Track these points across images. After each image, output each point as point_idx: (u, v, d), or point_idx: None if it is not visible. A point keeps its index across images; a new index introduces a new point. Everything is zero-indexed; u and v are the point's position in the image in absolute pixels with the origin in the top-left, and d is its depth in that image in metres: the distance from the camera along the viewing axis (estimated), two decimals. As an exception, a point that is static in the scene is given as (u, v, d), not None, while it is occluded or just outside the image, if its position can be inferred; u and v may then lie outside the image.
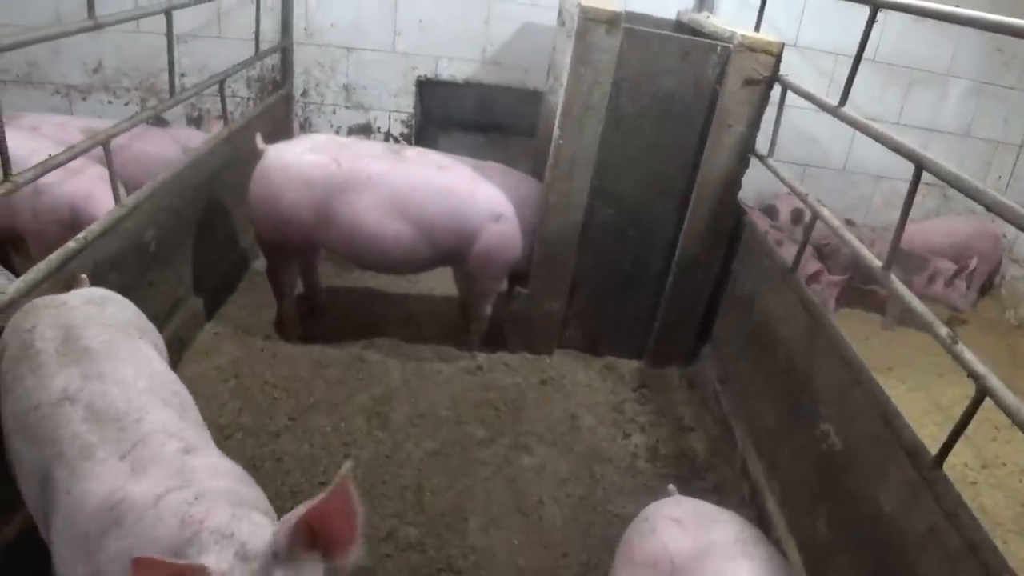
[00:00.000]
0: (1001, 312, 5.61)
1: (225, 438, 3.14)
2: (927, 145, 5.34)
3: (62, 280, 2.54)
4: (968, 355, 2.02)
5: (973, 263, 4.73)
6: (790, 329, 3.10)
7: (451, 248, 3.69)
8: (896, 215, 2.54)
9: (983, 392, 1.91)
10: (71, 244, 2.64)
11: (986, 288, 5.54)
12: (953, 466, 2.07)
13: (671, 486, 2.48)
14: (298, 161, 3.50)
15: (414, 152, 3.78)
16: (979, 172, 5.60)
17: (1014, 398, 1.83)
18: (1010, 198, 2.00)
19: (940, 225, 5.35)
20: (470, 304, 3.97)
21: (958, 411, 1.99)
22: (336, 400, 3.47)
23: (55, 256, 2.54)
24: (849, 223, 4.85)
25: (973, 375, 1.95)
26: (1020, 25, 2.08)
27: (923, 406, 4.10)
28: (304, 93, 5.34)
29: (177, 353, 3.56)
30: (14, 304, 2.28)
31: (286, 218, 3.52)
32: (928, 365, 4.52)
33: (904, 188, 2.45)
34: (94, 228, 2.78)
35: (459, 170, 3.70)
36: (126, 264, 3.02)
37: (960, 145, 5.56)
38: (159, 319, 3.38)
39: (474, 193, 3.64)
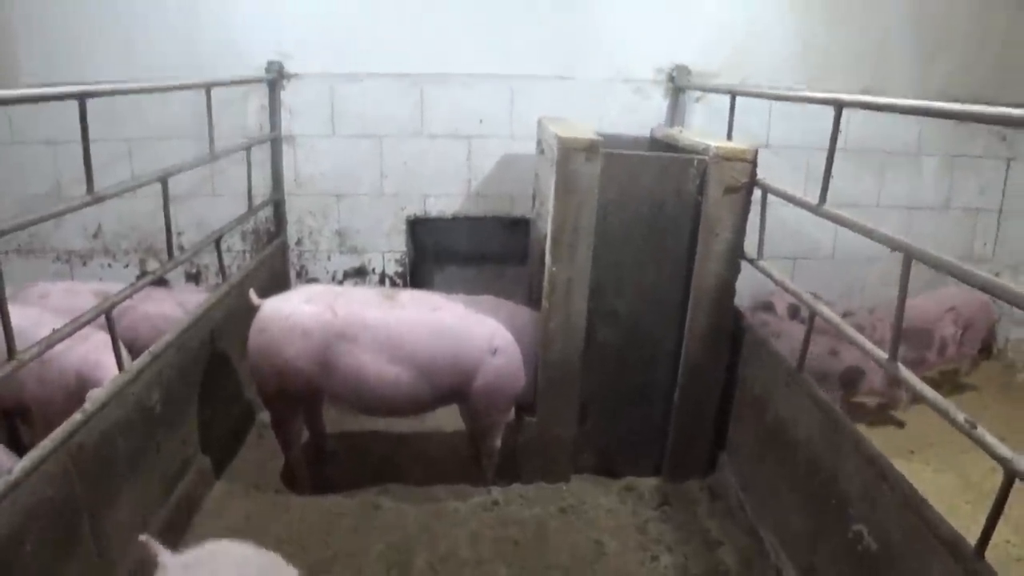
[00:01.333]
0: (1012, 376, 5.58)
1: (241, 602, 3.01)
2: (910, 222, 5.53)
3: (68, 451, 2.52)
4: (989, 438, 1.99)
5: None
6: (806, 429, 3.05)
7: (452, 387, 3.69)
8: (890, 292, 2.56)
9: (1012, 475, 1.87)
10: (76, 416, 2.64)
11: (988, 354, 5.51)
12: (994, 544, 1.99)
13: None
14: (295, 313, 3.55)
15: (408, 295, 3.84)
16: (964, 241, 5.76)
17: (1045, 479, 1.79)
18: (997, 261, 2.03)
19: (932, 299, 5.37)
20: (478, 439, 3.93)
21: (989, 486, 1.95)
22: (354, 551, 3.37)
23: (59, 431, 2.53)
24: (847, 315, 4.88)
25: (998, 459, 1.91)
26: (977, 111, 2.17)
27: (953, 486, 3.99)
28: (299, 241, 5.47)
29: (187, 515, 3.49)
30: (19, 484, 2.25)
31: (286, 370, 3.53)
32: (949, 442, 4.41)
33: (894, 267, 2.48)
34: (99, 397, 2.78)
35: (453, 308, 3.74)
36: (133, 429, 3.00)
37: (942, 218, 5.73)
38: (168, 481, 3.35)
39: (470, 329, 3.67)
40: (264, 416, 4.33)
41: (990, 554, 1.98)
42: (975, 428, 2.05)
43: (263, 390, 3.72)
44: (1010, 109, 2.05)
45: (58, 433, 2.51)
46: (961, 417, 2.11)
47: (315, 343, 3.51)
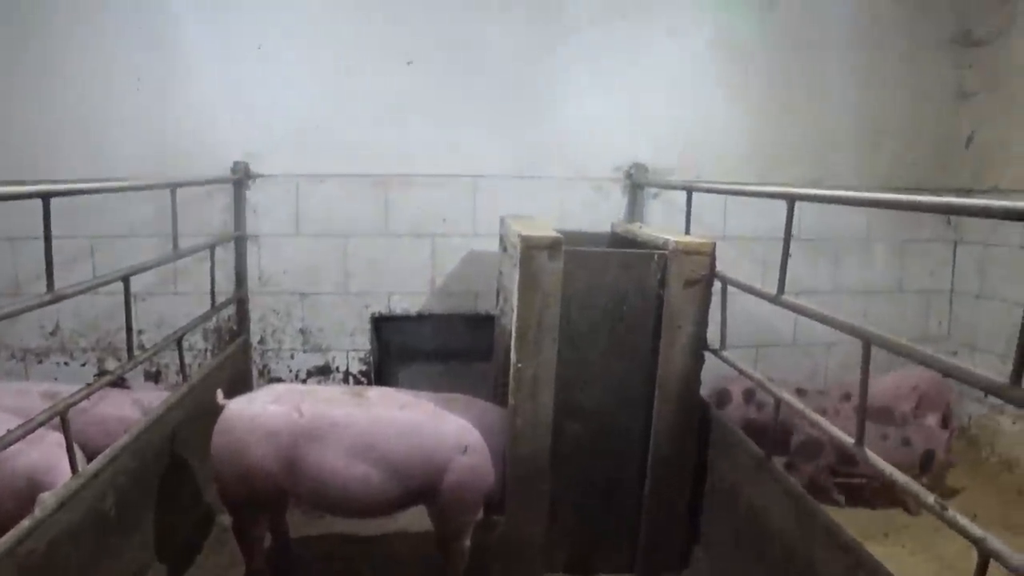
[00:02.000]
0: (979, 452, 5.65)
1: None
2: (867, 306, 5.69)
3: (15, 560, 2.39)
4: (961, 520, 2.00)
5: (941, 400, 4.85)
6: (779, 519, 3.04)
7: (421, 486, 3.61)
8: (851, 376, 2.60)
9: (986, 556, 1.88)
10: (25, 523, 2.52)
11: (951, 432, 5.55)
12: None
13: None
14: (260, 414, 3.48)
15: (376, 393, 3.79)
16: (919, 322, 5.95)
17: (1019, 557, 1.79)
18: (953, 340, 2.09)
19: (891, 381, 5.44)
20: (446, 540, 3.81)
21: (965, 566, 1.94)
22: (317, 661, 3.21)
23: (7, 538, 2.41)
24: (800, 392, 4.96)
25: (972, 540, 1.92)
26: (923, 201, 2.28)
27: (929, 569, 3.98)
28: (262, 340, 5.41)
29: (139, 629, 3.31)
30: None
31: (252, 472, 3.44)
32: (923, 523, 4.44)
33: (853, 350, 2.53)
34: (49, 503, 2.67)
35: (422, 406, 3.71)
36: (84, 536, 2.87)
37: (896, 300, 5.92)
38: (120, 592, 3.18)
39: (439, 428, 3.63)
40: (224, 519, 4.17)
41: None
42: (946, 510, 2.06)
43: (226, 493, 3.59)
44: (951, 198, 2.16)
45: (5, 540, 2.39)
46: (931, 499, 2.12)
47: (282, 444, 3.43)
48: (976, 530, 1.92)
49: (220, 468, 3.49)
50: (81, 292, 3.18)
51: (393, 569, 3.99)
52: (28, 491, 3.18)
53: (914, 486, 2.24)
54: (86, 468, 2.97)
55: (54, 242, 2.82)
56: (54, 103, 5.01)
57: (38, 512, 2.60)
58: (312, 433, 3.46)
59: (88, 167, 4.86)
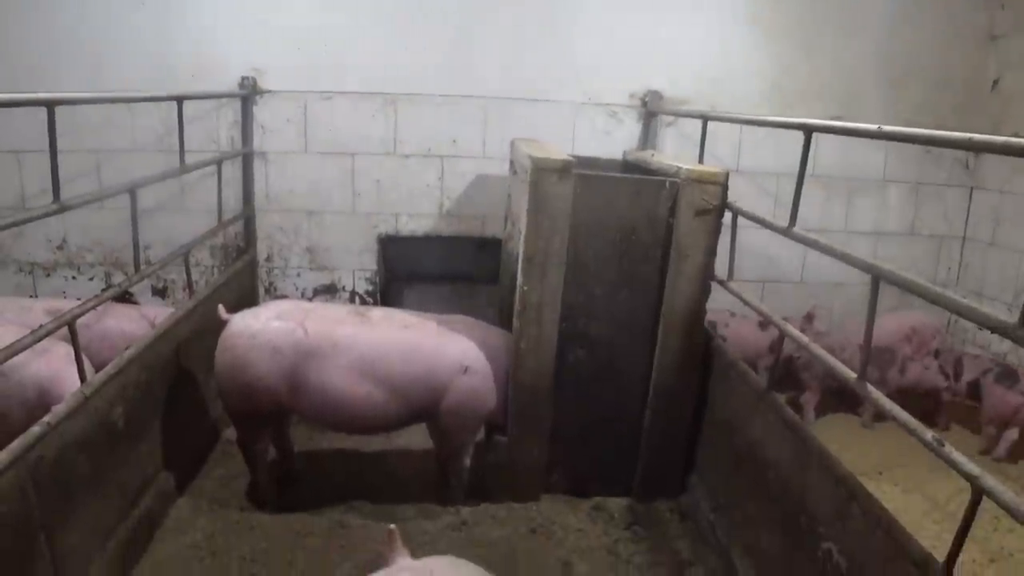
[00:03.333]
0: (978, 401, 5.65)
1: (202, 623, 2.95)
2: (876, 248, 5.64)
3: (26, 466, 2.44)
4: (958, 456, 2.01)
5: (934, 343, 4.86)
6: (776, 450, 3.07)
7: (422, 405, 3.67)
8: (856, 318, 2.59)
9: (979, 493, 1.89)
10: (35, 429, 2.56)
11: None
12: (960, 564, 2.01)
13: None
14: (264, 329, 3.50)
15: (380, 313, 3.81)
16: (929, 267, 5.88)
17: (1011, 494, 1.81)
18: (961, 287, 2.07)
19: (887, 323, 5.44)
20: (447, 458, 3.89)
21: (955, 506, 1.97)
22: (320, 571, 3.30)
23: (17, 444, 2.45)
24: (808, 318, 5.05)
25: (967, 477, 1.93)
26: (943, 136, 2.22)
27: (921, 506, 4.03)
28: (268, 258, 5.41)
29: (148, 532, 3.40)
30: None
31: (255, 387, 3.48)
32: (917, 463, 4.48)
33: (858, 291, 2.52)
34: (60, 410, 2.71)
35: (424, 327, 3.73)
36: (94, 445, 2.93)
37: (908, 244, 5.85)
38: (129, 498, 3.27)
39: (440, 348, 3.66)
40: (230, 433, 4.25)
41: (956, 573, 1.99)
42: (943, 446, 2.07)
43: (230, 407, 3.66)
44: (972, 134, 2.10)
45: (15, 446, 2.43)
46: (929, 435, 2.13)
47: (285, 360, 3.47)
48: (972, 467, 1.94)
49: (223, 382, 3.54)
50: (87, 203, 3.17)
51: (394, 485, 4.07)
52: (37, 401, 3.23)
53: (913, 422, 2.25)
54: (95, 378, 3.00)
55: (59, 156, 2.78)
56: (55, 21, 4.89)
57: (48, 419, 2.64)
58: (315, 351, 3.49)
59: (91, 86, 4.78)
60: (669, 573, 3.44)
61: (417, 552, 3.41)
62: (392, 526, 2.13)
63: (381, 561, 2.04)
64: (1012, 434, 4.64)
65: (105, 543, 3.03)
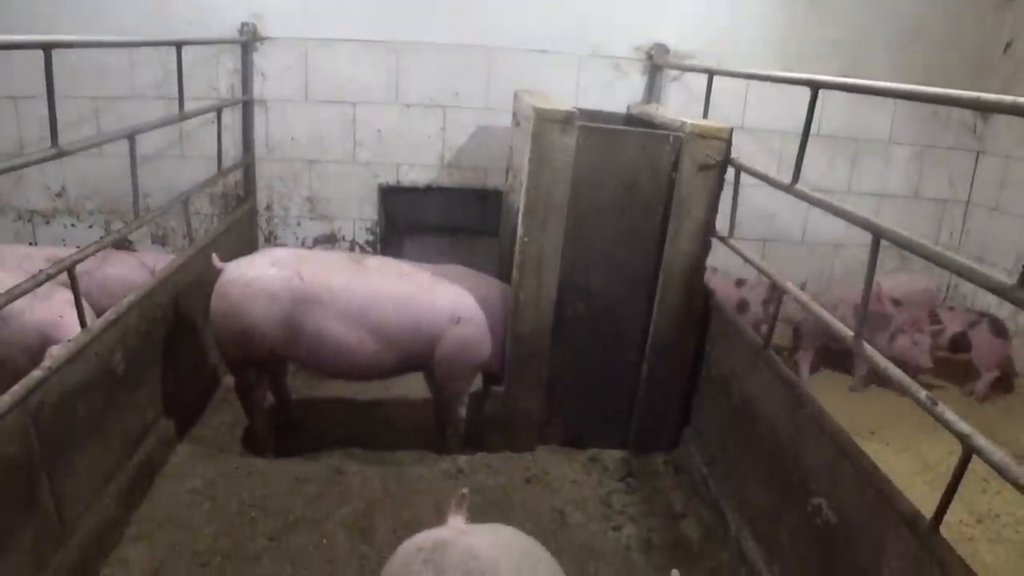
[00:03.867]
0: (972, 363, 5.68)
1: (202, 565, 3.00)
2: (879, 210, 5.61)
3: (27, 410, 2.47)
4: (950, 415, 2.03)
5: (936, 326, 4.85)
6: (770, 406, 3.10)
7: (415, 354, 3.69)
8: (856, 280, 2.59)
9: (969, 451, 1.91)
10: (36, 373, 2.57)
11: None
12: (948, 524, 2.04)
13: (675, 572, 2.40)
14: (261, 276, 3.50)
15: (376, 262, 3.81)
16: (931, 230, 5.85)
17: (1001, 454, 1.83)
18: (963, 252, 2.07)
19: (883, 285, 5.45)
20: (443, 408, 3.93)
21: (945, 468, 1.99)
22: (317, 516, 3.36)
23: (18, 387, 2.47)
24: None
25: (958, 435, 1.95)
26: (952, 95, 2.20)
27: (911, 467, 4.09)
28: (268, 207, 5.39)
29: (148, 478, 3.45)
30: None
31: (250, 334, 3.50)
32: (910, 424, 4.53)
33: (860, 252, 2.51)
34: (60, 355, 2.73)
35: (419, 277, 3.73)
36: (94, 390, 2.95)
37: (910, 207, 5.81)
38: (130, 443, 3.31)
39: (432, 298, 3.66)
40: (229, 380, 4.29)
41: (944, 532, 2.03)
42: (936, 405, 2.08)
43: (226, 354, 3.68)
44: (980, 93, 2.08)
45: (17, 389, 2.45)
46: (923, 394, 2.15)
47: (281, 307, 3.48)
48: (963, 426, 1.95)
49: (219, 329, 3.56)
50: (86, 148, 3.15)
51: (391, 433, 4.13)
52: (39, 346, 3.25)
53: (907, 380, 2.26)
54: (95, 324, 3.01)
55: (57, 103, 2.74)
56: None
57: (48, 364, 2.66)
58: (310, 298, 3.50)
59: (89, 32, 4.67)
60: (662, 524, 3.50)
61: (415, 500, 3.48)
62: (465, 490, 2.18)
63: (439, 520, 2.10)
64: (992, 375, 4.95)
65: (106, 487, 3.07)
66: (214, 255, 3.62)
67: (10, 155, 4.89)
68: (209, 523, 3.25)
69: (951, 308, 5.21)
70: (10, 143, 5.01)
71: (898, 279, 5.35)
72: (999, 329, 4.98)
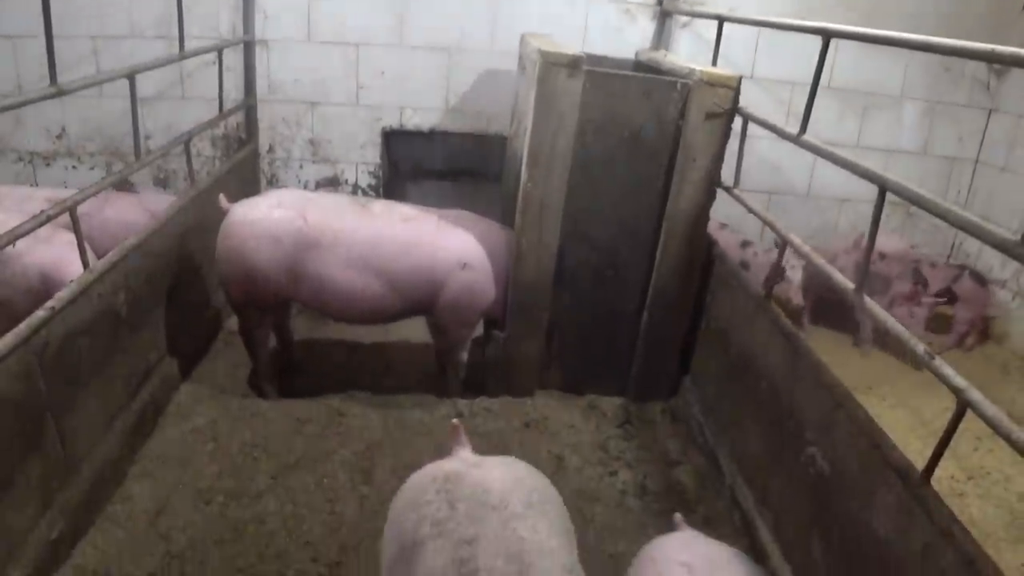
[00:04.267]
0: None
1: (205, 503, 3.06)
2: (887, 166, 5.52)
3: (32, 349, 2.49)
4: (947, 370, 2.04)
5: (933, 300, 4.88)
6: (769, 357, 3.11)
7: (419, 299, 3.71)
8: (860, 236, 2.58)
9: (964, 405, 1.93)
10: (40, 313, 2.59)
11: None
12: (939, 479, 2.07)
13: (678, 516, 2.45)
14: (265, 218, 3.50)
15: (381, 205, 3.80)
16: (939, 188, 5.75)
17: (995, 409, 1.84)
18: (969, 210, 2.06)
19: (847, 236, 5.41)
20: (445, 352, 3.96)
21: (940, 424, 2.00)
22: (318, 457, 3.41)
23: (23, 327, 2.49)
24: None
25: (953, 389, 1.97)
26: (966, 47, 2.16)
27: (906, 422, 4.14)
28: (270, 149, 5.35)
29: (152, 418, 3.50)
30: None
31: (255, 275, 3.51)
32: (906, 381, 4.57)
33: (866, 209, 2.49)
34: (63, 295, 2.74)
35: (424, 221, 3.71)
36: (98, 330, 2.97)
37: (919, 164, 5.71)
38: (134, 384, 3.34)
39: (439, 244, 3.66)
40: (232, 323, 4.32)
41: (934, 486, 2.05)
42: (933, 359, 2.09)
43: (231, 296, 3.70)
44: (996, 46, 2.04)
45: (22, 328, 2.47)
46: (921, 348, 2.16)
47: (285, 249, 3.48)
48: (959, 380, 1.97)
49: (224, 270, 3.57)
50: (86, 87, 3.11)
51: (393, 377, 4.17)
52: (41, 287, 3.26)
53: (906, 335, 2.27)
54: (97, 265, 3.02)
55: (55, 42, 2.70)
56: None
57: (52, 304, 2.67)
58: (315, 241, 3.50)
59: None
60: (658, 471, 3.55)
61: (415, 442, 3.53)
62: (456, 420, 2.21)
63: (445, 452, 2.12)
64: (968, 326, 5.12)
65: (111, 426, 3.12)
66: (221, 195, 3.61)
67: (9, 95, 4.85)
68: (212, 462, 3.31)
69: (932, 265, 5.18)
70: (8, 84, 4.93)
71: (880, 240, 5.30)
72: (980, 279, 5.09)
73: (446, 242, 3.67)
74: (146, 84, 4.41)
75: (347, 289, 3.56)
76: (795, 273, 4.64)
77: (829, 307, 5.11)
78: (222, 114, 4.65)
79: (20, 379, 2.45)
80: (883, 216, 2.50)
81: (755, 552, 2.90)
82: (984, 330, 5.23)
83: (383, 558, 1.91)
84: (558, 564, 1.70)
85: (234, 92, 5.04)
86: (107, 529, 2.86)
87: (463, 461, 1.99)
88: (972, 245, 5.72)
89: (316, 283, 3.54)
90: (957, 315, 5.05)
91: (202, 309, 4.32)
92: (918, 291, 4.91)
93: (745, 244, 5.09)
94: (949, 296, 5.01)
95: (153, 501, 3.04)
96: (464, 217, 3.86)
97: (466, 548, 1.66)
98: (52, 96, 2.79)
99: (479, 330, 4.11)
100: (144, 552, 2.78)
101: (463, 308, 3.76)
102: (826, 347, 4.90)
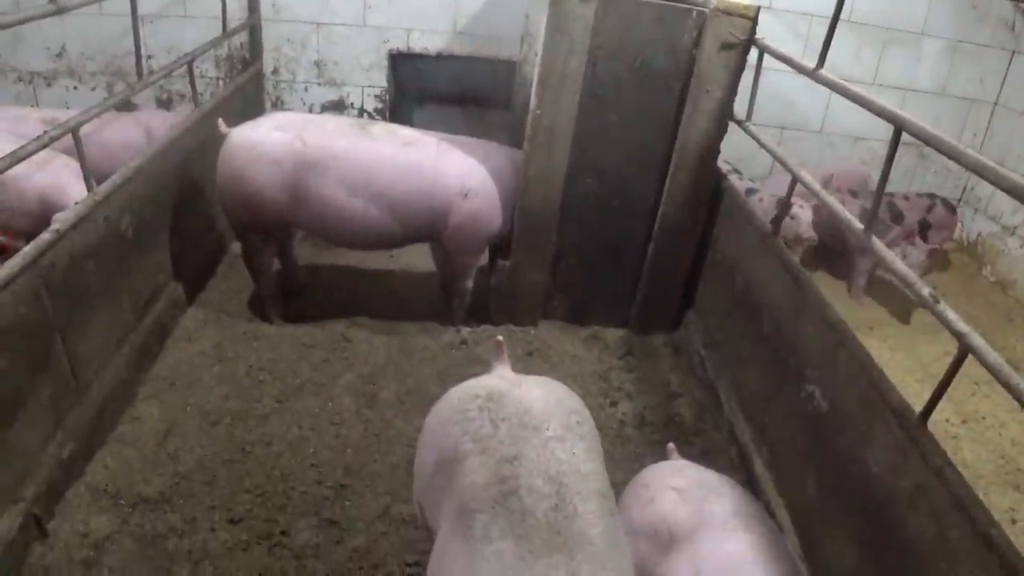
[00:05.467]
0: (977, 269, 5.67)
1: (212, 424, 3.13)
2: (903, 104, 5.42)
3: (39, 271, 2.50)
4: (950, 314, 2.04)
5: (934, 244, 4.84)
6: (773, 293, 3.12)
7: (421, 226, 3.67)
8: (874, 175, 2.55)
9: (965, 350, 1.93)
10: (45, 236, 2.60)
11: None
12: (935, 422, 2.09)
13: (671, 445, 2.50)
14: (264, 141, 3.46)
15: (381, 128, 3.71)
16: (955, 130, 5.64)
17: (996, 356, 1.85)
18: (986, 155, 2.02)
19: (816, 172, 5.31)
20: (449, 279, 3.96)
21: (939, 368, 2.02)
22: (322, 381, 3.46)
23: (29, 248, 2.50)
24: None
25: (955, 334, 1.97)
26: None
27: (905, 364, 4.16)
28: (275, 71, 5.26)
29: (159, 340, 3.54)
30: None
31: (255, 199, 3.49)
32: (908, 324, 4.59)
33: (880, 148, 2.45)
34: (68, 218, 2.74)
35: (425, 146, 3.62)
36: (103, 253, 2.98)
37: (936, 104, 5.59)
38: (140, 307, 3.37)
39: (441, 169, 3.58)
40: (237, 247, 4.31)
41: (930, 428, 2.07)
42: (938, 303, 2.09)
43: (233, 220, 3.68)
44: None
45: (28, 250, 2.48)
46: (926, 291, 2.15)
47: (285, 172, 3.44)
48: (961, 325, 1.97)
49: (225, 194, 3.55)
50: (86, 4, 3.03)
51: (397, 304, 4.19)
52: (41, 212, 3.25)
53: (912, 277, 2.26)
54: (101, 188, 2.99)
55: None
56: None
57: (57, 227, 2.67)
58: (313, 163, 3.45)
59: None
60: (657, 403, 3.60)
61: (419, 368, 3.56)
62: (499, 337, 2.25)
63: (447, 378, 2.16)
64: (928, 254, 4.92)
65: (119, 348, 3.16)
66: (220, 120, 3.56)
67: (6, 12, 4.75)
68: (219, 385, 3.36)
69: (905, 197, 5.12)
70: (6, 1, 4.82)
71: (841, 167, 5.24)
72: (951, 207, 5.14)
73: (448, 168, 3.59)
74: (148, 1, 4.31)
75: (346, 212, 3.52)
76: (804, 212, 4.57)
77: (830, 251, 5.07)
78: (225, 33, 4.55)
79: (27, 300, 2.46)
80: (895, 156, 2.46)
81: (750, 485, 2.96)
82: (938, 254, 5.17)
83: (418, 465, 1.98)
84: (592, 487, 1.75)
85: (238, 11, 4.92)
86: (117, 449, 2.93)
87: (505, 379, 2.02)
88: (984, 189, 5.64)
89: (316, 206, 3.51)
90: (930, 240, 5.04)
91: (206, 233, 4.32)
92: (912, 231, 4.88)
93: (750, 192, 5.00)
94: (924, 225, 5.02)
95: (162, 422, 3.11)
96: (467, 142, 3.77)
97: (508, 466, 1.71)
98: (52, 14, 2.74)
99: (484, 258, 4.11)
100: (153, 472, 2.85)
101: (467, 236, 3.72)
102: (826, 291, 4.94)
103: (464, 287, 3.96)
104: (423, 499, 1.94)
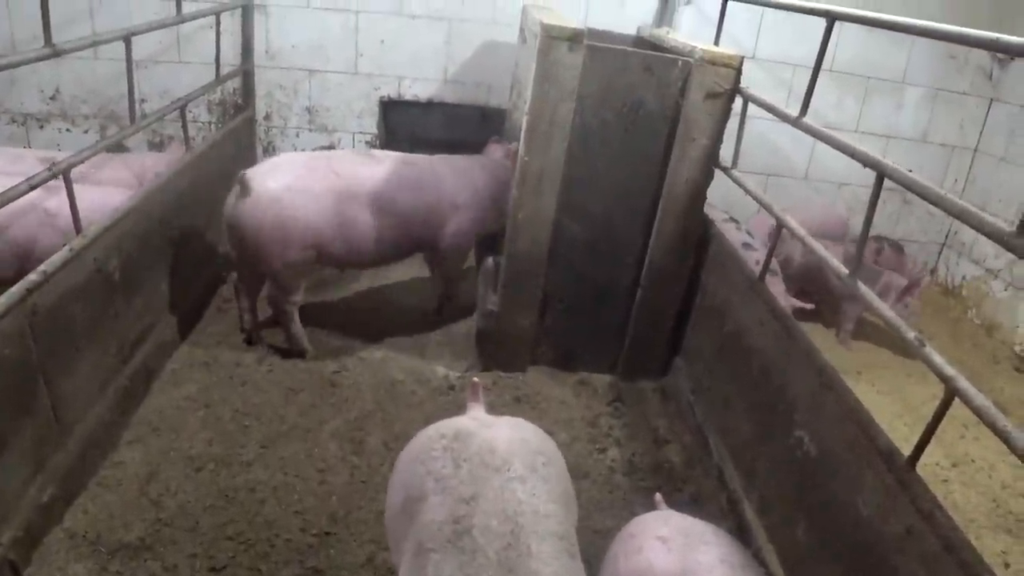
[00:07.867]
0: (963, 312, 5.71)
1: (196, 470, 3.08)
2: (886, 151, 5.51)
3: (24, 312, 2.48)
4: (936, 358, 2.05)
5: (926, 280, 4.83)
6: (761, 338, 3.12)
7: (424, 235, 4.04)
8: (857, 220, 2.58)
9: (952, 393, 1.94)
10: (32, 276, 2.58)
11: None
12: (924, 466, 2.09)
13: (658, 496, 2.48)
14: (298, 180, 3.62)
15: (380, 153, 4.09)
16: (936, 176, 5.74)
17: (983, 398, 1.86)
18: (966, 199, 2.06)
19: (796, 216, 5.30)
20: (447, 283, 4.38)
21: (927, 411, 2.02)
22: (309, 426, 3.43)
23: (15, 290, 2.48)
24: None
25: (942, 377, 1.98)
26: (970, 34, 2.14)
27: (894, 408, 4.16)
28: (267, 116, 5.31)
29: (145, 383, 3.50)
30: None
31: (305, 236, 3.62)
32: (896, 368, 4.60)
33: (864, 193, 2.49)
34: (55, 260, 2.72)
35: (421, 164, 4.07)
36: (91, 295, 2.97)
37: (917, 150, 5.69)
38: (126, 349, 3.34)
39: (437, 184, 4.01)
40: (225, 291, 4.31)
41: (919, 472, 2.07)
42: (924, 346, 2.10)
43: (273, 264, 3.66)
44: (1000, 35, 2.03)
45: (14, 291, 2.46)
46: (912, 335, 2.16)
47: (328, 204, 3.65)
48: (948, 369, 1.98)
49: (265, 240, 3.57)
50: (81, 48, 3.06)
51: (385, 348, 4.15)
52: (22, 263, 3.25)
53: (898, 321, 2.28)
54: (89, 229, 2.99)
55: (50, 1, 2.66)
56: None
57: (44, 268, 2.65)
58: (349, 190, 3.71)
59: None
60: (646, 449, 3.57)
61: (406, 414, 3.54)
62: (476, 379, 2.30)
63: (463, 410, 2.16)
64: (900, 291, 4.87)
65: (104, 391, 3.13)
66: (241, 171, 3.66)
67: (2, 56, 4.79)
68: (203, 429, 3.32)
69: (853, 240, 5.07)
70: (2, 43, 4.86)
71: (810, 210, 5.25)
72: (898, 247, 5.18)
73: (444, 181, 4.02)
74: (142, 46, 4.37)
75: (372, 231, 3.80)
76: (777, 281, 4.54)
77: (811, 299, 5.03)
78: (219, 79, 4.60)
79: (11, 342, 2.44)
80: (878, 203, 2.50)
81: (740, 531, 2.93)
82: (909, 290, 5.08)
83: (388, 506, 1.96)
84: (551, 529, 1.72)
85: (231, 56, 4.99)
86: (98, 494, 2.88)
87: (474, 420, 2.03)
88: (967, 235, 5.71)
89: (350, 230, 3.74)
90: (892, 283, 4.96)
91: (195, 275, 4.30)
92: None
93: (747, 246, 5.00)
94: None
95: (144, 467, 3.06)
96: (452, 158, 4.23)
97: (464, 506, 1.70)
98: (47, 57, 2.75)
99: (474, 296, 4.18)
100: (135, 518, 2.80)
101: (459, 239, 4.15)
102: (818, 336, 4.96)
103: (458, 287, 4.43)
104: (392, 540, 1.92)
